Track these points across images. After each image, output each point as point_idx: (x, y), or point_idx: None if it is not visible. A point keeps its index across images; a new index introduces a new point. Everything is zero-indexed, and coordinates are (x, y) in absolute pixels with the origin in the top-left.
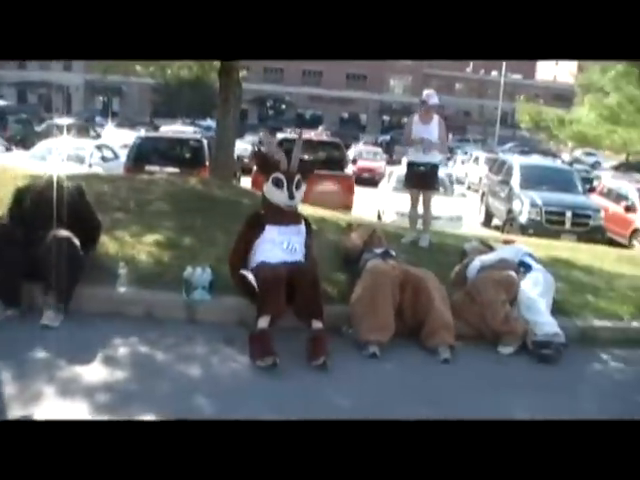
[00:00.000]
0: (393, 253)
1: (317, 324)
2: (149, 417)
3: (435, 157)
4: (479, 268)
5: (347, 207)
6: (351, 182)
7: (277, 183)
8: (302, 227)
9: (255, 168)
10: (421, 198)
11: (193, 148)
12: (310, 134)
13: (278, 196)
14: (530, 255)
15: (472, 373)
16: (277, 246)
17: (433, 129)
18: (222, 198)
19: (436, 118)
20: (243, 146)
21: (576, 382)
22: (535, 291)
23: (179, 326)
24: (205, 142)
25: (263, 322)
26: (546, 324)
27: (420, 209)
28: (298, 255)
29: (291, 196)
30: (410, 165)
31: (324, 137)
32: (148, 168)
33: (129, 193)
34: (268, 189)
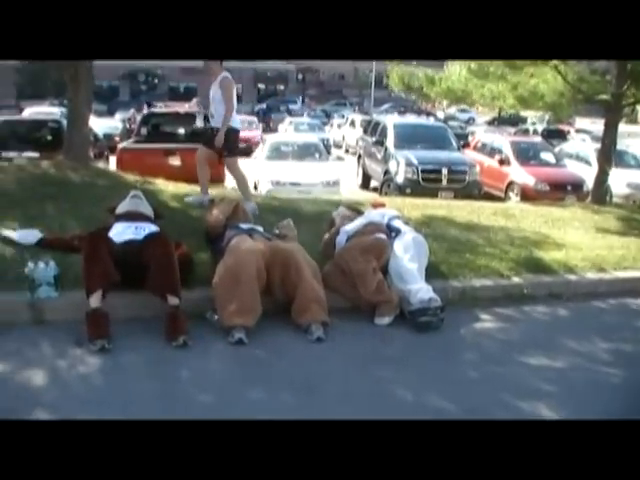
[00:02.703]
0: (260, 228)
1: (173, 300)
2: None
3: (218, 119)
4: (346, 238)
5: (217, 180)
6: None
7: None
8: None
9: None
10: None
11: (52, 129)
12: (184, 107)
13: None
14: (397, 217)
15: (348, 351)
16: (124, 229)
17: (215, 87)
18: (75, 181)
19: (220, 76)
20: (114, 124)
21: (459, 347)
22: (405, 257)
23: (24, 329)
24: (65, 123)
25: (94, 300)
26: (420, 290)
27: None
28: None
29: None
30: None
31: (193, 109)
32: (5, 154)
33: None
34: None
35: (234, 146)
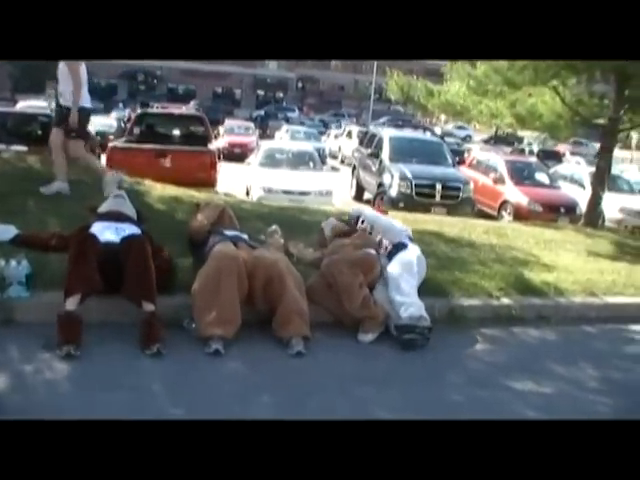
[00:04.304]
0: (245, 236)
1: (148, 306)
2: None
3: (68, 97)
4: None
5: (209, 184)
6: (212, 158)
7: None
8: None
9: None
10: None
11: (42, 124)
12: (181, 109)
13: None
14: (408, 236)
15: (328, 367)
16: (104, 229)
17: (62, 63)
18: None
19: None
20: (109, 122)
21: (443, 369)
22: (408, 269)
23: None
24: None
25: (70, 303)
26: (412, 305)
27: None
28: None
29: None
30: None
31: (187, 111)
32: None
33: None
34: None
35: (82, 127)
